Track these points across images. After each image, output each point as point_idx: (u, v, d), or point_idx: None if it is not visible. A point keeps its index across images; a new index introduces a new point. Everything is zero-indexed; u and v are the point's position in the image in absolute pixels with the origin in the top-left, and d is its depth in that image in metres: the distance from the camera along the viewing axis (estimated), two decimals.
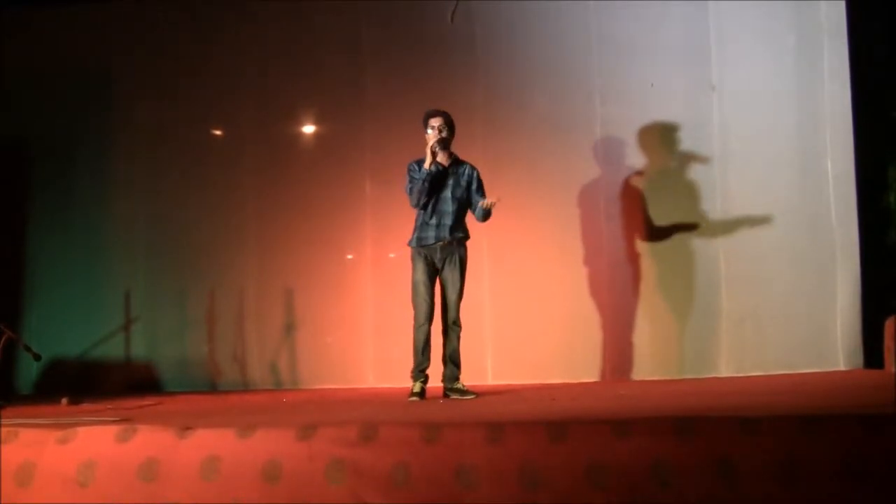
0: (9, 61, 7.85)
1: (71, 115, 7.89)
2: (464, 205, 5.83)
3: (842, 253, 6.85)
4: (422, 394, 5.64)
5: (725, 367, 6.86)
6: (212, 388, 7.52)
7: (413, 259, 5.80)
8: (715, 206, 7.01)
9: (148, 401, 6.16)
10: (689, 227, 7.03)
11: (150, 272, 7.77)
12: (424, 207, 5.75)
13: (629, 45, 7.22)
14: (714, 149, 7.05)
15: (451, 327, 5.76)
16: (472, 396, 5.62)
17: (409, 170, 5.83)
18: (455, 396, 5.65)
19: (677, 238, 7.03)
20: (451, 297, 5.78)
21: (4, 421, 3.71)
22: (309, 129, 7.76)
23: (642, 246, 7.06)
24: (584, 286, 7.10)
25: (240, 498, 3.10)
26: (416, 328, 5.72)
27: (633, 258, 7.06)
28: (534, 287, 7.17)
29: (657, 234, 7.07)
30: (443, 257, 5.76)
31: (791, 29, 7.07)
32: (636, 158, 7.14)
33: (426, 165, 5.67)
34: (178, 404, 6.05)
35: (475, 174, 5.87)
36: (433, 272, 5.77)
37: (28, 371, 7.54)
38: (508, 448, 3.12)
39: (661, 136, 7.12)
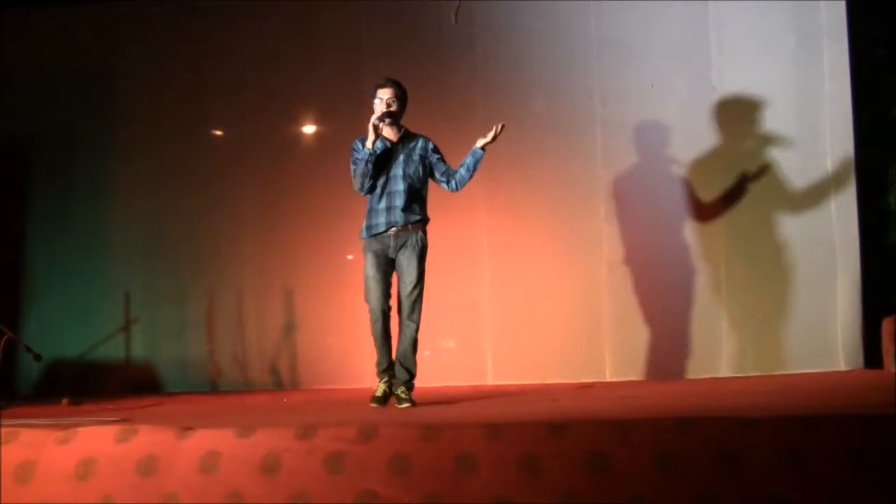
0: (9, 61, 7.84)
1: (71, 115, 7.88)
2: (417, 184, 5.20)
3: (842, 253, 6.85)
4: (382, 399, 5.13)
5: (726, 367, 6.86)
6: (212, 388, 7.51)
7: (364, 251, 5.19)
8: (715, 206, 7.01)
9: (148, 401, 6.17)
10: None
11: (149, 272, 7.76)
12: (371, 191, 5.13)
13: (629, 45, 7.21)
14: (714, 149, 7.05)
15: (405, 323, 5.15)
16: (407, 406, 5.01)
17: (353, 149, 5.23)
18: (399, 405, 5.04)
19: (677, 238, 7.02)
20: (406, 286, 5.13)
21: (5, 422, 3.72)
22: (309, 129, 7.75)
23: (642, 246, 7.06)
24: (584, 286, 7.11)
25: (239, 489, 3.10)
26: (372, 323, 5.15)
27: (633, 258, 7.05)
28: (533, 287, 7.17)
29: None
30: (398, 245, 5.12)
31: (791, 30, 7.06)
32: (636, 159, 7.13)
33: (368, 144, 5.04)
34: (178, 405, 6.05)
35: (430, 145, 5.27)
36: (387, 264, 5.14)
37: (28, 372, 7.52)
38: (508, 442, 3.13)
39: (661, 137, 7.12)
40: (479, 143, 5.14)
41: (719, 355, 6.89)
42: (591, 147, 7.19)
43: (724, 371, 6.85)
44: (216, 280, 7.68)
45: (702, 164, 7.06)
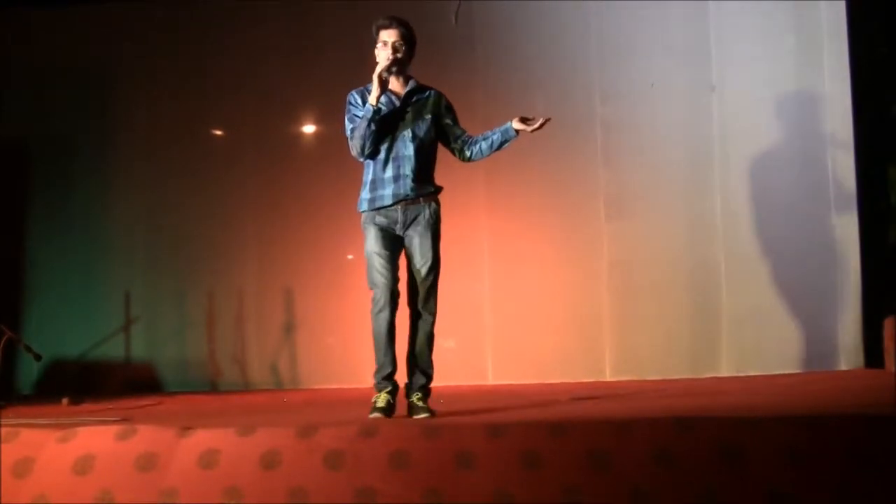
0: (9, 61, 7.85)
1: (71, 115, 7.88)
2: (428, 147, 4.42)
3: (842, 252, 6.85)
4: (387, 409, 4.22)
5: (726, 367, 6.86)
6: (212, 388, 7.51)
7: (364, 227, 4.36)
8: (715, 206, 7.01)
9: (148, 401, 6.17)
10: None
11: (150, 272, 7.76)
12: (373, 156, 4.34)
13: (629, 44, 7.22)
14: (714, 149, 7.05)
15: (420, 314, 4.35)
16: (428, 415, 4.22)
17: (350, 103, 4.46)
18: (415, 415, 4.24)
19: (677, 238, 7.03)
20: (420, 269, 4.32)
21: (5, 421, 3.72)
22: (309, 128, 7.76)
23: (642, 246, 7.06)
24: (585, 286, 7.11)
25: (238, 484, 3.10)
26: (375, 315, 4.28)
27: (633, 258, 7.05)
28: (534, 287, 7.17)
29: None
30: (406, 221, 4.33)
31: (791, 29, 7.07)
32: (636, 158, 7.13)
33: (372, 100, 4.26)
34: (178, 404, 6.07)
35: (443, 101, 4.52)
36: (393, 241, 4.33)
37: (29, 371, 7.53)
38: (509, 440, 3.14)
39: (661, 136, 7.12)
40: (517, 125, 4.43)
41: (719, 355, 6.88)
42: (591, 147, 7.19)
43: (725, 371, 6.85)
44: (216, 280, 7.68)
45: (701, 164, 7.06)
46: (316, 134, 7.74)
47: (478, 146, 4.49)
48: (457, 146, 4.52)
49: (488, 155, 4.52)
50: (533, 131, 4.41)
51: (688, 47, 7.15)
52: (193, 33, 7.83)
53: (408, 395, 4.36)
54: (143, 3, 7.86)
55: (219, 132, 7.92)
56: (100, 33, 7.92)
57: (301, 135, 7.80)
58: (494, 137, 4.47)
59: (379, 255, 4.28)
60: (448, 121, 4.51)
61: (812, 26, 7.02)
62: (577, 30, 7.31)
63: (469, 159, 4.54)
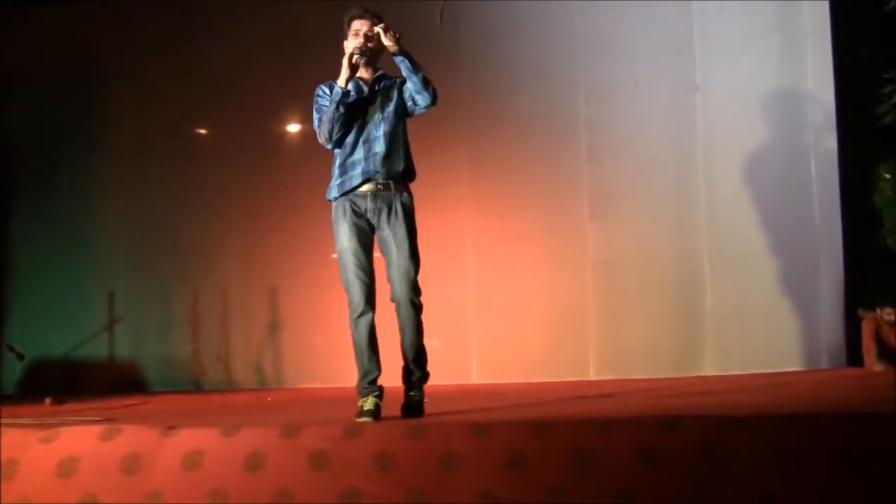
0: None
1: (56, 115, 7.85)
2: (400, 126, 4.26)
3: (825, 252, 6.90)
4: (376, 412, 4.02)
5: (710, 366, 6.88)
6: (196, 387, 7.50)
7: (335, 219, 4.23)
8: (699, 206, 7.03)
9: (132, 400, 6.15)
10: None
11: (134, 272, 7.74)
12: (340, 143, 4.23)
13: (613, 44, 7.23)
14: (698, 149, 7.07)
15: (405, 306, 4.13)
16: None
17: (318, 94, 4.33)
18: (413, 413, 4.18)
19: (662, 238, 7.04)
20: (398, 260, 4.12)
21: None
22: (294, 128, 7.73)
23: (626, 245, 7.07)
24: (569, 285, 7.11)
25: (222, 486, 3.09)
26: (354, 320, 4.12)
27: (618, 258, 7.06)
28: (518, 286, 7.17)
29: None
30: (378, 208, 4.16)
31: (775, 29, 7.10)
32: (620, 158, 7.14)
33: (341, 82, 4.16)
34: (162, 404, 6.05)
35: (399, 80, 4.32)
36: (366, 236, 4.18)
37: (11, 371, 7.50)
38: (494, 440, 3.13)
39: (645, 136, 7.13)
40: (392, 49, 4.19)
41: (703, 354, 6.91)
42: (576, 146, 7.20)
43: (708, 370, 6.87)
44: (201, 279, 7.67)
45: (685, 164, 7.08)
46: (301, 133, 7.71)
47: (411, 88, 4.23)
48: (410, 102, 4.28)
49: (420, 79, 4.18)
50: (391, 39, 4.17)
51: (672, 47, 7.17)
52: (181, 33, 7.81)
53: (407, 391, 4.23)
54: (131, 3, 7.82)
55: (204, 132, 7.89)
56: (86, 33, 7.89)
57: (287, 134, 7.77)
58: (405, 74, 4.22)
59: (353, 253, 4.14)
60: (404, 86, 4.29)
61: (796, 26, 7.06)
62: (562, 30, 7.31)
63: (427, 101, 4.23)
